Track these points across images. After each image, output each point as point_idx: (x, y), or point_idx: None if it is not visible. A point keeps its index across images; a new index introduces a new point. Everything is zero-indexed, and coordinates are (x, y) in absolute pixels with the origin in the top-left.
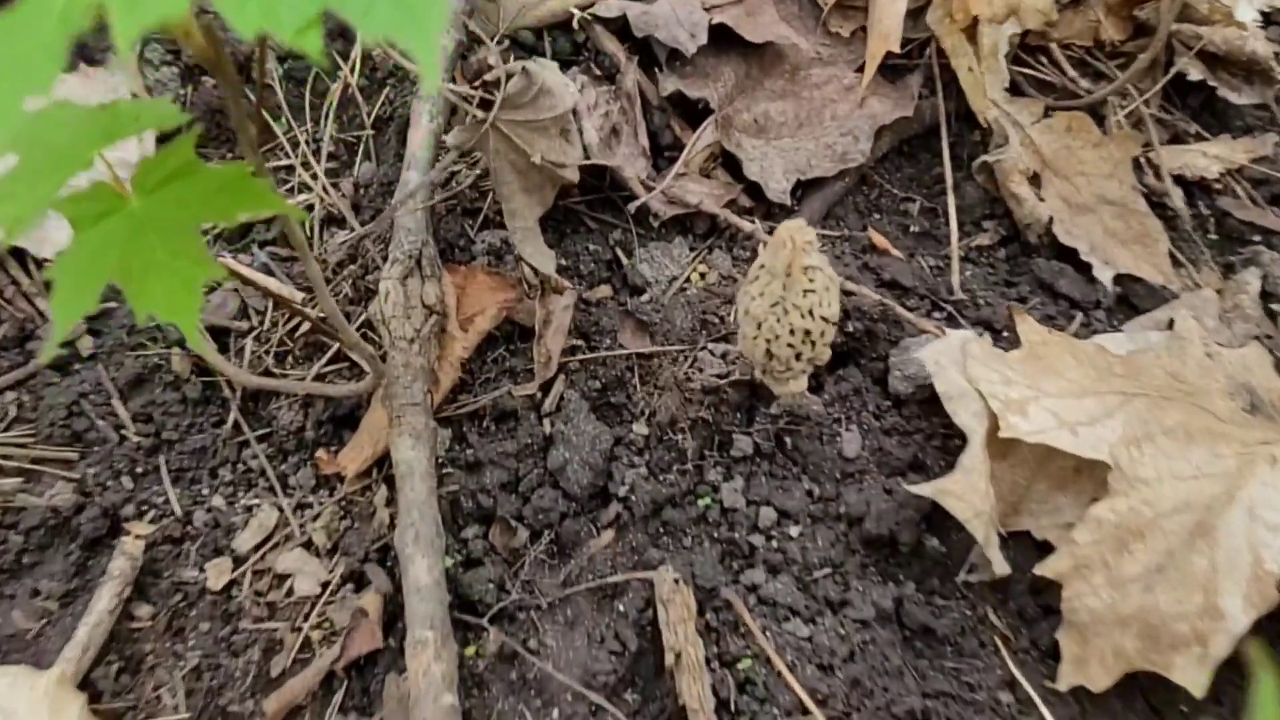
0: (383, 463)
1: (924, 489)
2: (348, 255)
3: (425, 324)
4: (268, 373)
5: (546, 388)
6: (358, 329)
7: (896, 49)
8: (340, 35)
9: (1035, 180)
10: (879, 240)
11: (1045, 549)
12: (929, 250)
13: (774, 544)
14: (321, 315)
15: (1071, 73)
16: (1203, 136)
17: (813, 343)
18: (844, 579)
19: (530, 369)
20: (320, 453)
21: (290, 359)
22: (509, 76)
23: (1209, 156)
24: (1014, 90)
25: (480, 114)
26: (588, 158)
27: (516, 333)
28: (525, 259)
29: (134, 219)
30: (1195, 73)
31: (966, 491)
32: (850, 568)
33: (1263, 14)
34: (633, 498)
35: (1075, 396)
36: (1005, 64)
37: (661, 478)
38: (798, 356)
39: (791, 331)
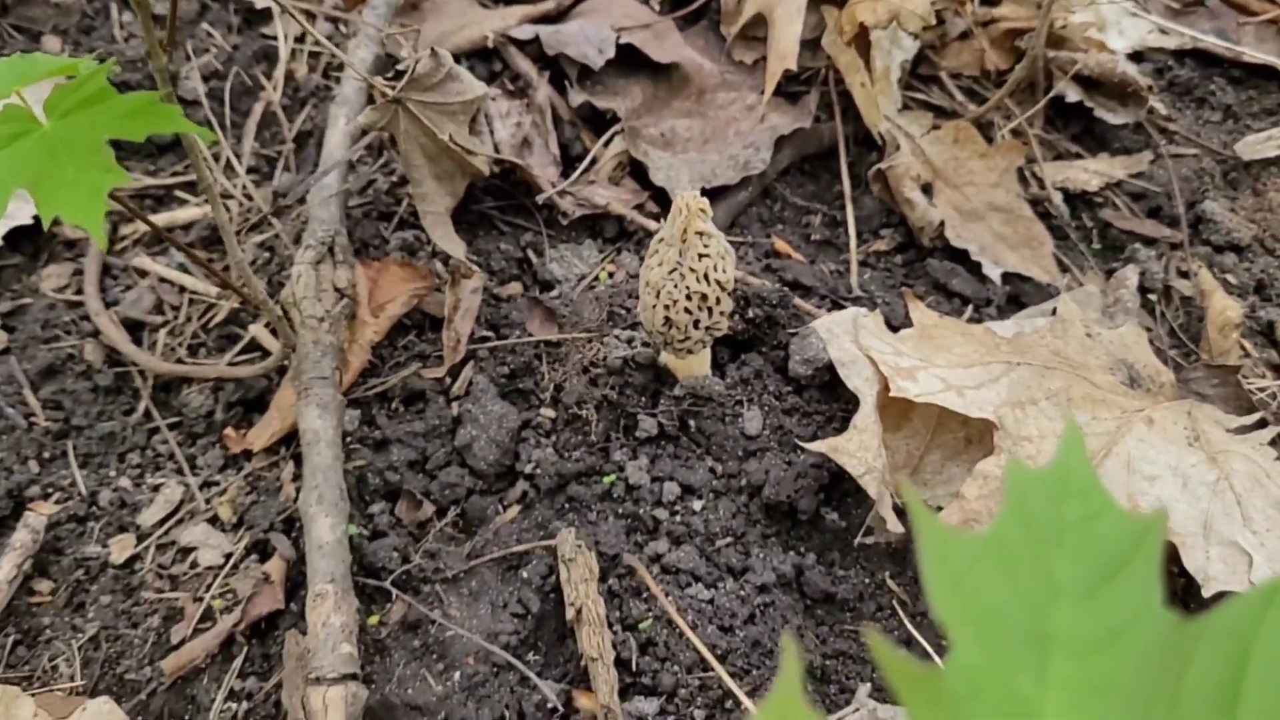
0: (290, 440)
1: (818, 445)
2: (266, 255)
3: (336, 306)
4: (180, 363)
5: (455, 372)
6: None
7: (794, 67)
8: (265, 58)
9: (928, 189)
10: (782, 246)
11: None
12: (829, 256)
13: (677, 517)
14: (241, 281)
15: (960, 98)
16: (1083, 156)
17: (709, 309)
18: (745, 548)
19: (439, 355)
20: (228, 431)
21: (203, 350)
22: (418, 60)
23: (1089, 171)
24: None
25: (389, 91)
26: (498, 153)
27: (427, 323)
28: (434, 240)
29: (46, 140)
30: (1073, 94)
31: (858, 449)
32: (752, 537)
33: (1135, 53)
34: (539, 474)
35: (963, 366)
36: (898, 87)
37: (567, 456)
38: (696, 324)
39: (688, 296)
